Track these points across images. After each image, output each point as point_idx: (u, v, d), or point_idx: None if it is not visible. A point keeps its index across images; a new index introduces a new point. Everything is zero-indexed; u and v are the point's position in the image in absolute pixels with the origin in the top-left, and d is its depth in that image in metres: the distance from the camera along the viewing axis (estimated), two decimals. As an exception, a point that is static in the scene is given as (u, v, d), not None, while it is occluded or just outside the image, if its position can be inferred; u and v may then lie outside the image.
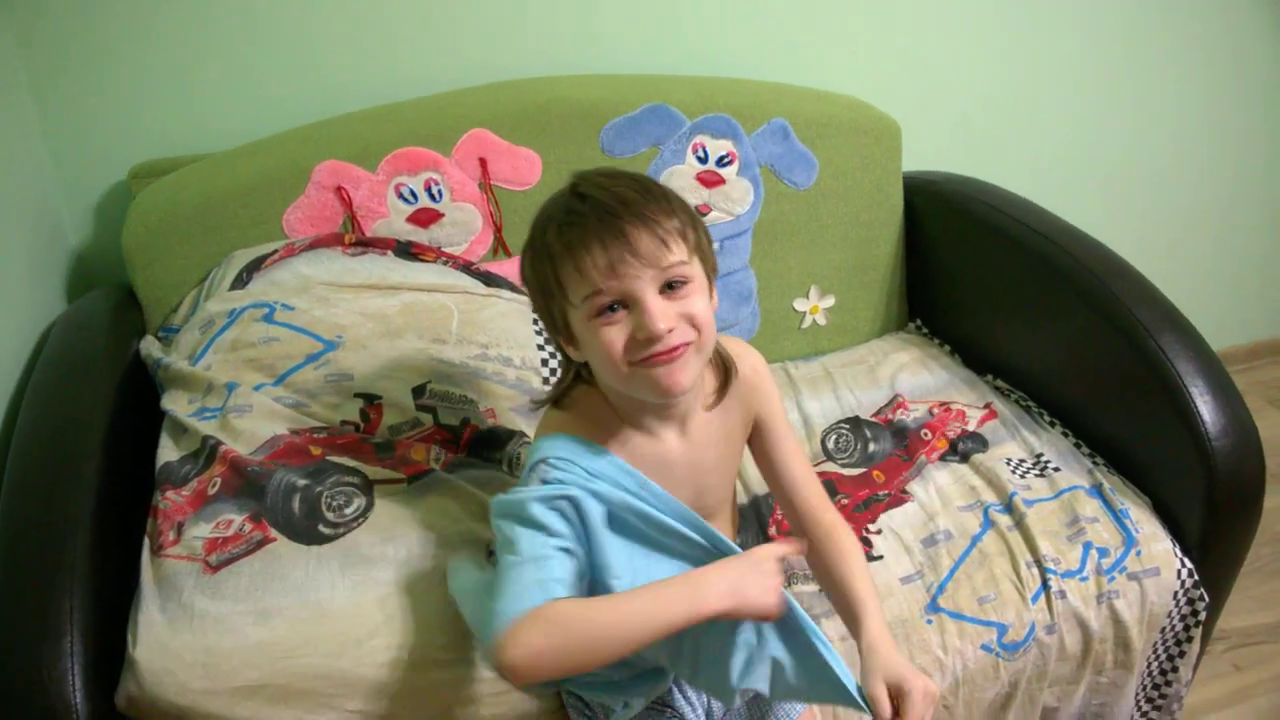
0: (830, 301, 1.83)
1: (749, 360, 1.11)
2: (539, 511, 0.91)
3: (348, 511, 1.15)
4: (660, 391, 0.94)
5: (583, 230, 0.90)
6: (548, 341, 1.46)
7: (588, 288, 0.91)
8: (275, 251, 1.43)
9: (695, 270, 0.95)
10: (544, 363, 1.43)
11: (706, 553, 0.96)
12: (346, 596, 1.07)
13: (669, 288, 0.92)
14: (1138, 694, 1.41)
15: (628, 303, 0.92)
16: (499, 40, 1.70)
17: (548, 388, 1.40)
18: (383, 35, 1.64)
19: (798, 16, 1.88)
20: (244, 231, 1.47)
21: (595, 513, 0.94)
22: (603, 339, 0.92)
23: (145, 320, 1.46)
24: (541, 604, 0.85)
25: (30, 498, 1.06)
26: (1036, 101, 2.16)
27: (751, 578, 0.91)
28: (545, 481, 0.95)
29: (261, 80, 1.61)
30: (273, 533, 1.11)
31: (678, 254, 0.92)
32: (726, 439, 1.09)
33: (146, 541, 1.12)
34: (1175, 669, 1.41)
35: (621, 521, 0.96)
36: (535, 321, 1.48)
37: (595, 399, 1.03)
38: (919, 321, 1.90)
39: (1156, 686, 1.43)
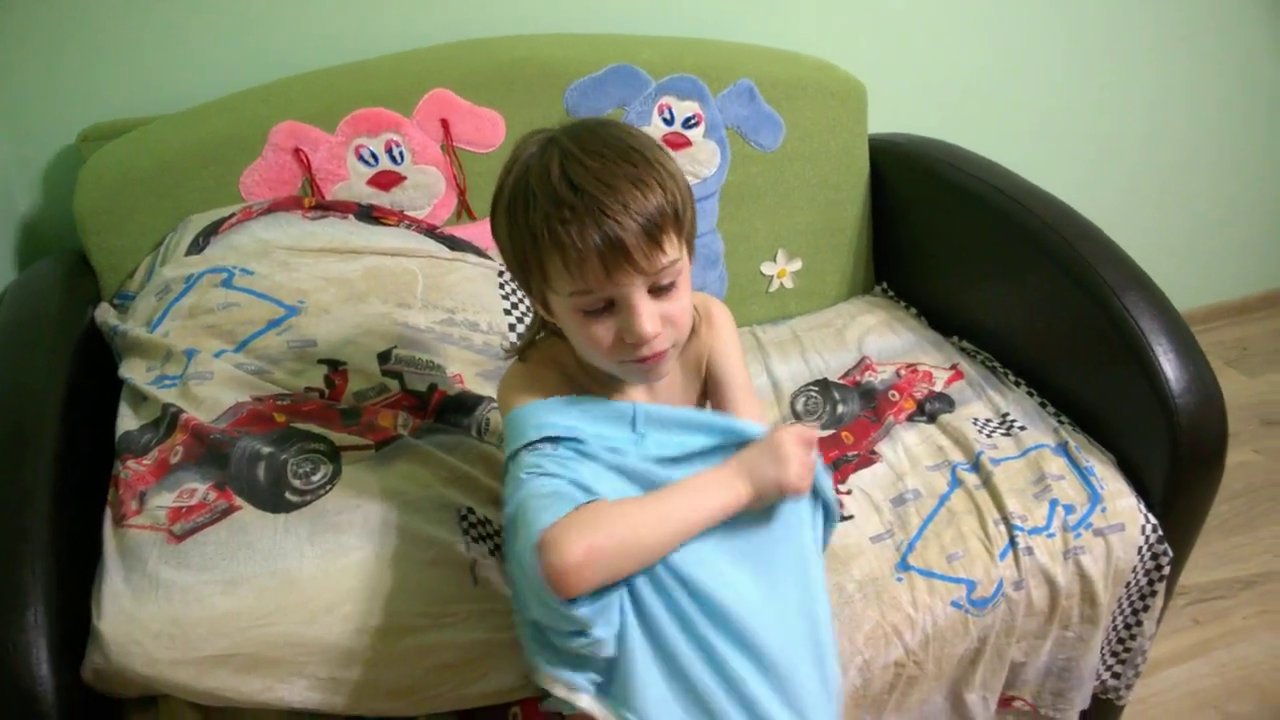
0: (797, 265, 1.82)
1: (713, 310, 1.11)
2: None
3: (315, 479, 1.13)
4: (641, 380, 0.97)
5: (579, 231, 0.85)
6: (514, 307, 1.44)
7: (577, 287, 0.88)
8: (232, 215, 1.39)
9: (684, 262, 0.93)
10: (511, 328, 1.41)
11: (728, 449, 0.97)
12: (315, 564, 1.05)
13: (658, 288, 0.91)
14: (1103, 648, 1.43)
15: (616, 302, 0.90)
16: (461, -1, 1.67)
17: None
18: (339, -8, 1.60)
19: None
20: (199, 195, 1.43)
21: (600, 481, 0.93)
22: (587, 333, 0.92)
23: (99, 287, 1.42)
24: (572, 509, 0.85)
25: (-13, 469, 1.03)
26: (1005, 64, 2.16)
27: (788, 458, 0.93)
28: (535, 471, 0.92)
29: (214, 39, 1.56)
30: (238, 501, 1.09)
31: (671, 253, 0.89)
32: (685, 383, 1.10)
33: (108, 512, 1.09)
34: (1140, 623, 1.43)
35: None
36: (501, 286, 1.46)
37: (563, 350, 1.02)
38: (885, 284, 1.90)
39: (1121, 640, 1.45)
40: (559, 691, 0.91)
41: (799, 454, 0.94)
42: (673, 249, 0.90)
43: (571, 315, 0.92)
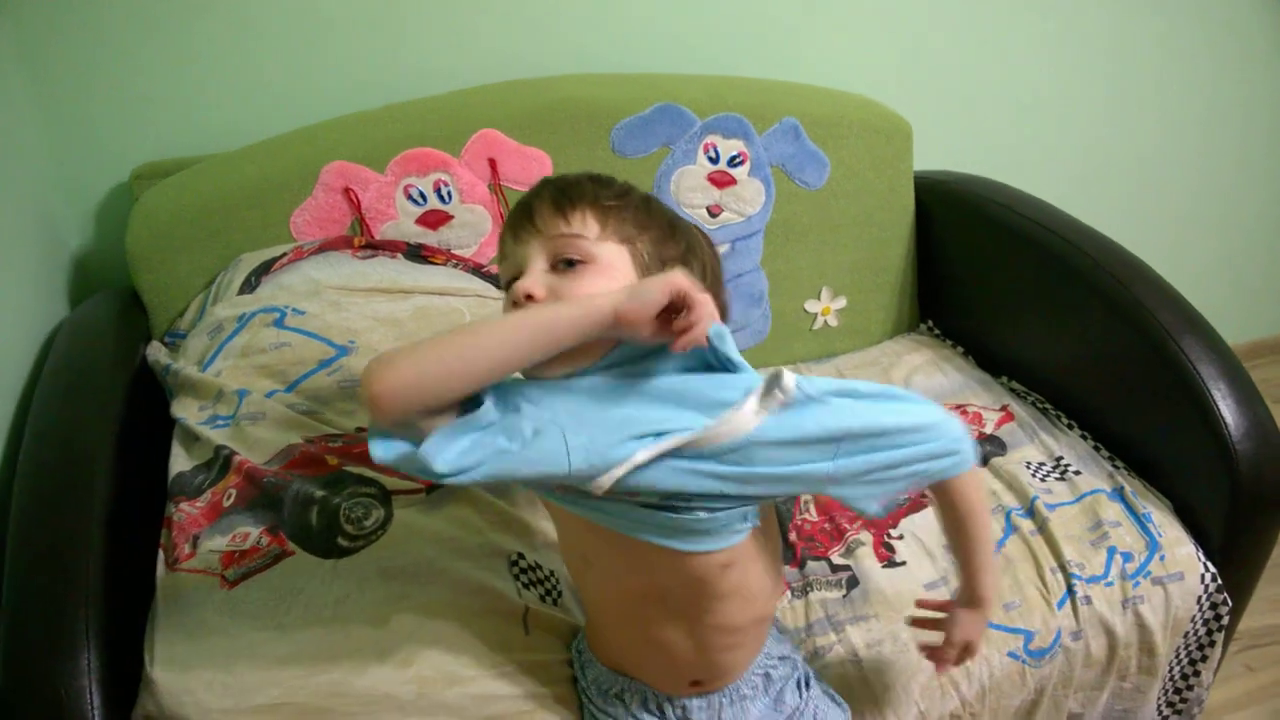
0: (842, 303, 1.81)
1: None
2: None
3: (367, 524, 1.12)
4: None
5: (511, 213, 0.93)
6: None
7: (497, 255, 0.94)
8: (284, 255, 1.40)
9: (602, 251, 0.88)
10: (557, 366, 1.40)
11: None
12: (367, 612, 1.04)
13: (565, 265, 0.87)
14: (1159, 698, 1.40)
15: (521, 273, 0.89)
16: (508, 38, 1.68)
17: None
18: (389, 34, 1.61)
19: (808, 15, 1.86)
20: (250, 234, 1.44)
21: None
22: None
23: (151, 325, 1.43)
24: None
25: (42, 510, 1.03)
26: (1049, 100, 2.16)
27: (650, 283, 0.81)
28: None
29: (265, 79, 1.58)
30: (290, 545, 1.08)
31: (577, 227, 0.88)
32: None
33: (161, 554, 1.09)
34: (1197, 673, 1.40)
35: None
36: (547, 325, 1.45)
37: None
38: (930, 322, 1.89)
39: (1178, 690, 1.42)
40: None
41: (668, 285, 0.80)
42: (583, 226, 0.88)
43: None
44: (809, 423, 0.83)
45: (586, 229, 0.88)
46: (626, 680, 1.04)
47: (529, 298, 0.86)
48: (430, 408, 0.79)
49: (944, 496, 0.98)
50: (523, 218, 0.90)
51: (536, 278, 0.87)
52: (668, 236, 0.93)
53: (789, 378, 0.83)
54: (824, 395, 0.84)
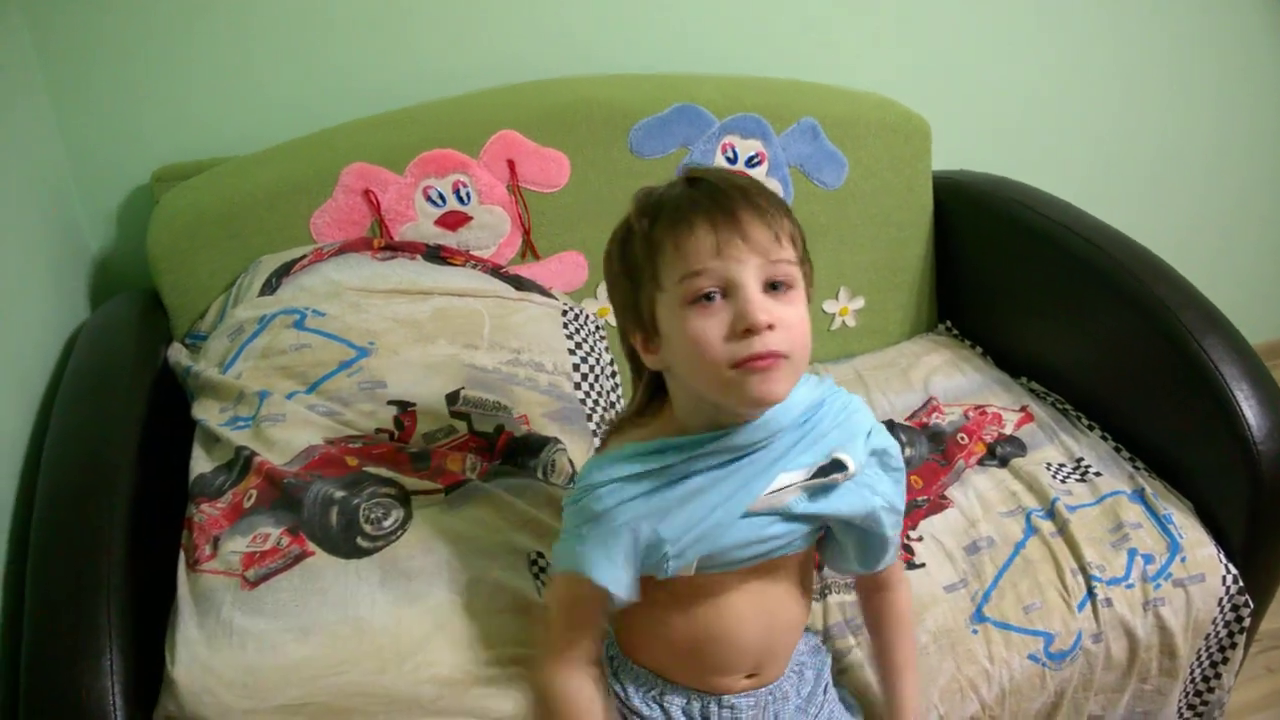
0: (860, 303, 1.80)
1: None
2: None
3: (386, 524, 1.12)
4: (752, 400, 0.86)
5: (691, 209, 0.85)
6: (578, 347, 1.44)
7: (687, 267, 0.85)
8: (304, 256, 1.40)
9: (800, 279, 0.89)
10: (575, 367, 1.41)
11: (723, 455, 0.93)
12: (387, 611, 1.04)
13: (772, 288, 0.86)
14: (1180, 700, 1.39)
15: (728, 290, 0.85)
16: (526, 40, 1.68)
17: (578, 393, 1.38)
18: (408, 35, 1.62)
19: (825, 14, 1.86)
20: (270, 236, 1.45)
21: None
22: (696, 330, 0.85)
23: (171, 326, 1.44)
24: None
25: (65, 512, 1.04)
26: (1067, 98, 2.15)
27: None
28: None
29: (285, 81, 1.59)
30: (310, 546, 1.09)
31: (788, 252, 0.86)
32: None
33: (182, 555, 1.09)
34: (1219, 675, 1.39)
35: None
36: (565, 326, 1.46)
37: (667, 417, 0.98)
38: (949, 323, 1.88)
39: (1199, 693, 1.41)
40: None
41: None
42: (789, 251, 0.87)
43: (680, 315, 0.86)
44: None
45: (790, 251, 0.87)
46: (666, 684, 1.04)
47: (770, 327, 0.84)
48: None
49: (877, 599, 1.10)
50: (731, 232, 0.84)
51: (763, 304, 0.84)
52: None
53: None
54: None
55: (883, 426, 1.03)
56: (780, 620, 1.02)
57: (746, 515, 0.93)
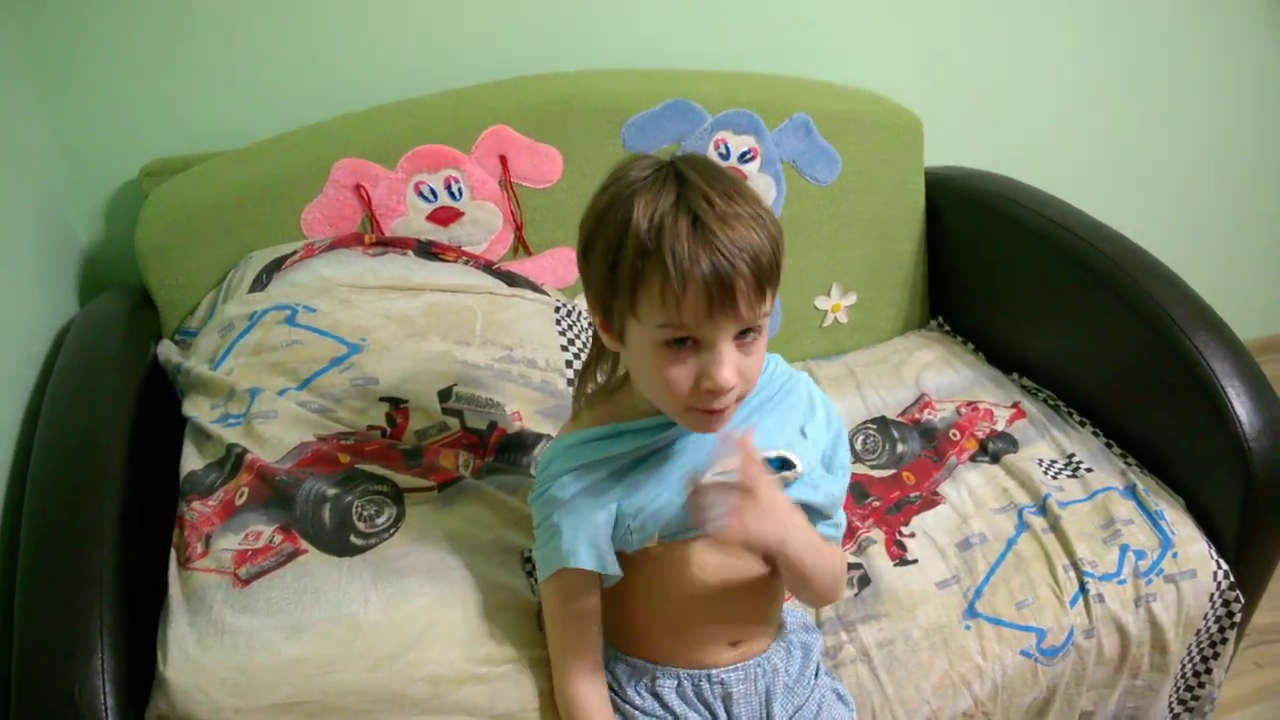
0: (852, 299, 1.80)
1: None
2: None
3: (379, 521, 1.12)
4: (697, 430, 0.93)
5: (691, 266, 0.81)
6: (570, 343, 1.43)
7: (668, 319, 0.84)
8: (295, 252, 1.39)
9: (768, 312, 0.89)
10: (568, 364, 1.40)
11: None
12: (380, 609, 1.04)
13: (741, 334, 0.87)
14: (1171, 696, 1.40)
15: (700, 343, 0.86)
16: (518, 34, 1.67)
17: (572, 389, 1.38)
18: (400, 28, 1.61)
19: (818, 9, 1.85)
20: (261, 231, 1.44)
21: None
22: (665, 373, 0.87)
23: (161, 322, 1.43)
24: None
25: (55, 510, 1.03)
26: (1060, 95, 2.15)
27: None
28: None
29: (276, 75, 1.58)
30: (303, 544, 1.08)
31: (768, 304, 0.86)
32: None
33: (173, 553, 1.09)
34: (1209, 670, 1.40)
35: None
36: (558, 323, 1.45)
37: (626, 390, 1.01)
38: (941, 319, 1.88)
39: (1190, 688, 1.42)
40: None
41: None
42: (770, 300, 0.86)
43: (650, 350, 0.88)
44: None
45: (769, 301, 0.87)
46: (656, 668, 1.05)
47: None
48: None
49: None
50: (724, 302, 0.82)
51: (733, 365, 0.86)
52: None
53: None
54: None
55: (822, 393, 1.08)
56: (749, 580, 1.03)
57: None
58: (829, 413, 1.07)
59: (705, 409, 0.88)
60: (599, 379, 1.05)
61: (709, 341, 0.85)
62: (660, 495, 0.96)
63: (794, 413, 1.05)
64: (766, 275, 0.84)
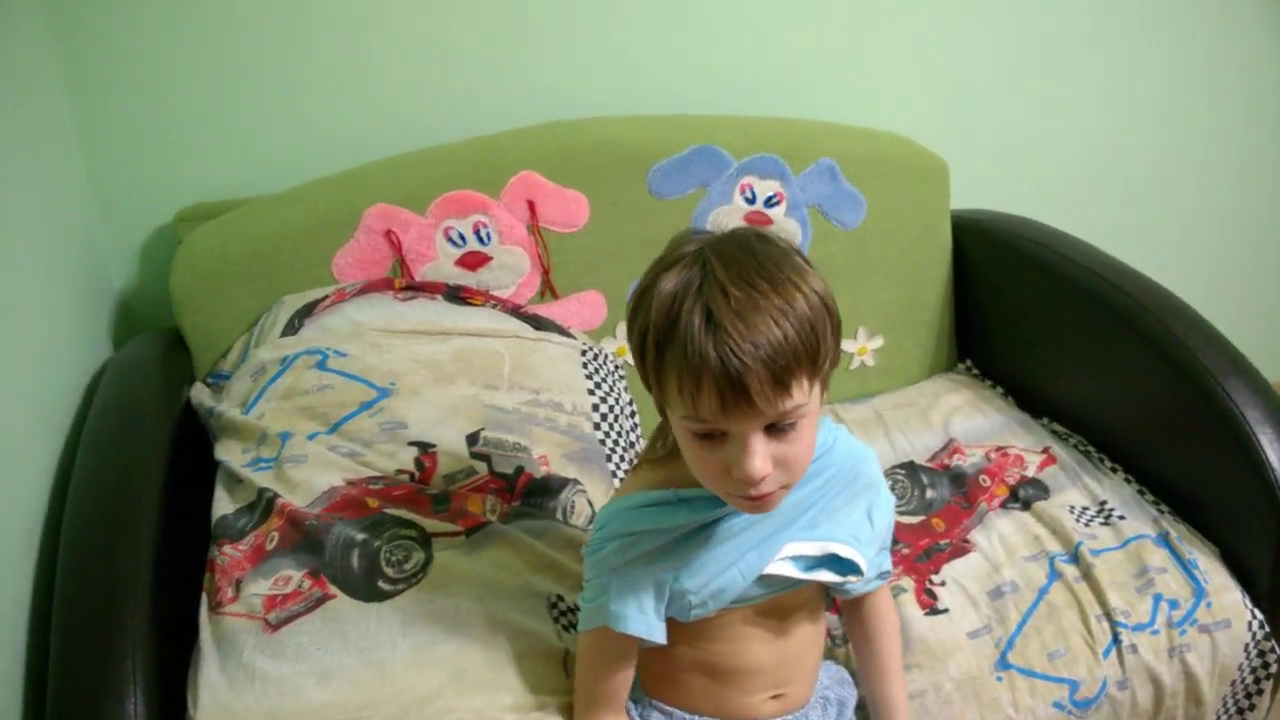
0: (879, 342, 1.80)
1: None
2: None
3: (407, 567, 1.12)
4: (748, 512, 0.92)
5: (701, 366, 0.79)
6: (597, 387, 1.44)
7: (687, 412, 0.83)
8: (326, 297, 1.41)
9: (813, 404, 0.86)
10: (594, 408, 1.41)
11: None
12: (407, 656, 1.04)
13: (775, 427, 0.84)
14: (1207, 749, 1.37)
15: (729, 435, 0.84)
16: (546, 82, 1.70)
17: (598, 434, 1.38)
18: (428, 77, 1.64)
19: (843, 55, 1.87)
20: (293, 276, 1.46)
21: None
22: (699, 461, 0.87)
23: (194, 366, 1.45)
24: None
25: (90, 554, 1.04)
26: (1086, 138, 2.15)
27: None
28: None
29: (309, 122, 1.61)
30: (332, 589, 1.09)
31: (798, 398, 0.82)
32: None
33: (204, 598, 1.10)
34: (1246, 723, 1.37)
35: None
36: (585, 366, 1.46)
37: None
38: (969, 362, 1.87)
39: (1226, 741, 1.39)
40: None
41: None
42: (800, 393, 0.82)
43: (684, 437, 0.87)
44: None
45: (804, 392, 0.83)
46: (696, 717, 1.04)
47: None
48: None
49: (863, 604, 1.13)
50: (738, 400, 0.80)
51: (763, 456, 0.83)
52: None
53: None
54: None
55: (885, 484, 1.09)
56: (795, 638, 1.04)
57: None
58: (887, 490, 1.08)
59: (746, 496, 0.87)
60: (667, 438, 1.01)
61: (734, 435, 0.84)
62: (723, 575, 0.95)
63: (862, 497, 1.04)
64: (787, 371, 0.80)
